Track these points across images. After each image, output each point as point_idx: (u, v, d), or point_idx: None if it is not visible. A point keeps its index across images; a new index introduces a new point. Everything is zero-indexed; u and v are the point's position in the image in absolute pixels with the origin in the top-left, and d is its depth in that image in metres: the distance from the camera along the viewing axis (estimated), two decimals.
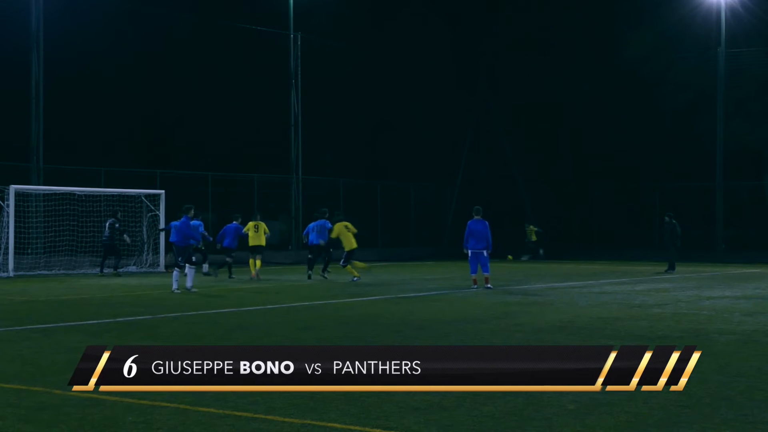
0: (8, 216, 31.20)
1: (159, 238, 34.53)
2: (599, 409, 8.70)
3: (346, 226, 28.69)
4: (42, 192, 33.69)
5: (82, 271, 32.84)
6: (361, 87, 48.79)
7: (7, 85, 37.15)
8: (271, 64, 45.77)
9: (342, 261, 28.74)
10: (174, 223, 24.04)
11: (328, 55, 47.03)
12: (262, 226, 30.15)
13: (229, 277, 29.85)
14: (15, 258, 31.21)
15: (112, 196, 34.59)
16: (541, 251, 44.96)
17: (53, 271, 32.36)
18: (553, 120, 51.31)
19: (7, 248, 31.06)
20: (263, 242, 30.07)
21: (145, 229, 35.27)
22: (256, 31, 44.54)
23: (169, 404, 8.88)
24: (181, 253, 23.77)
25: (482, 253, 24.64)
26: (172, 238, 26.27)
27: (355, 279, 28.11)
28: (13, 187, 31.48)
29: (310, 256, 30.26)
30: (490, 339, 13.94)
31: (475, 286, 24.70)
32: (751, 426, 8.04)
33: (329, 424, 8.14)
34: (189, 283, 23.60)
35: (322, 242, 29.59)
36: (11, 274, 30.68)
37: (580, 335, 14.38)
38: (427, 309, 19.28)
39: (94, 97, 40.39)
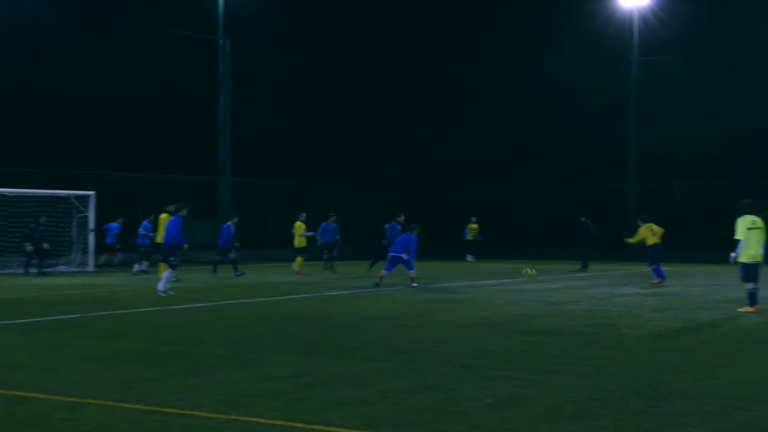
0: None
1: (87, 238, 34.31)
2: (515, 402, 9.05)
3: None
4: None
5: (11, 271, 32.53)
6: (294, 90, 49.04)
7: None
8: (205, 68, 45.75)
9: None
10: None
11: (259, 60, 47.14)
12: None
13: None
14: None
15: (42, 197, 34.27)
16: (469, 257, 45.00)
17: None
18: (475, 125, 52.07)
19: None
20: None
21: (74, 230, 35.04)
22: (187, 36, 44.43)
23: (96, 401, 9.02)
24: (171, 253, 22.80)
25: (401, 257, 25.33)
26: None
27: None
28: None
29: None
30: (412, 335, 14.27)
31: (380, 282, 25.25)
32: (660, 417, 8.38)
33: (254, 419, 8.30)
34: (162, 285, 22.46)
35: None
36: None
37: (498, 331, 14.80)
38: (352, 307, 19.57)
39: (26, 99, 40.01)
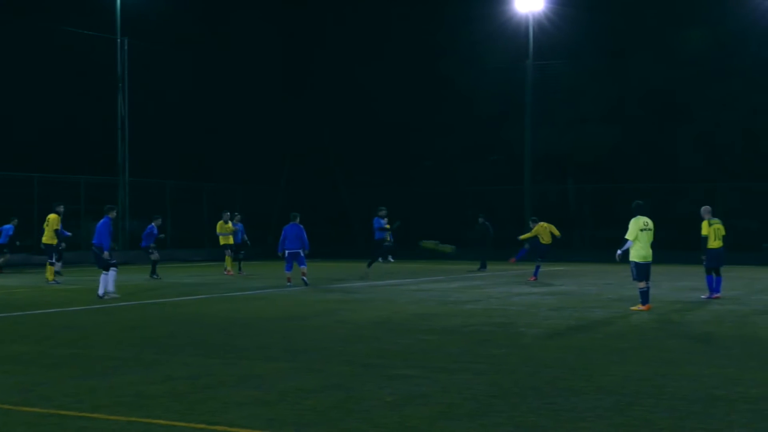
0: None
1: None
2: (415, 400, 9.18)
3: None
4: None
5: None
6: (190, 91, 48.67)
7: None
8: (101, 66, 45.10)
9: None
10: (99, 225, 21.91)
11: (156, 59, 46.66)
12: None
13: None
14: None
15: None
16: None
17: None
18: (377, 127, 52.36)
19: None
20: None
21: None
22: (85, 35, 43.72)
23: None
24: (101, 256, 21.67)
25: (299, 253, 25.71)
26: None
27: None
28: None
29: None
30: (312, 336, 14.32)
31: (290, 284, 25.60)
32: (555, 413, 8.58)
33: (155, 421, 8.27)
34: (102, 290, 21.51)
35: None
36: None
37: (398, 330, 14.94)
38: (251, 307, 19.54)
39: None
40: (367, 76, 52.33)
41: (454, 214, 49.24)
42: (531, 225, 29.38)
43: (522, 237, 29.91)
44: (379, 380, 10.22)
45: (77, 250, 32.27)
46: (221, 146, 50.47)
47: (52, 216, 28.27)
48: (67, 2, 45.25)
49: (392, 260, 31.31)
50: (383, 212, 29.99)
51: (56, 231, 28.06)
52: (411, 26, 52.45)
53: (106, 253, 21.40)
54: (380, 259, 30.19)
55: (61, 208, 28.69)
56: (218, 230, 32.28)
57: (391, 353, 12.36)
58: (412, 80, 51.74)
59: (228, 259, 32.07)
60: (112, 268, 21.51)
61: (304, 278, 25.77)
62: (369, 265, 30.14)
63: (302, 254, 25.87)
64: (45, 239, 28.34)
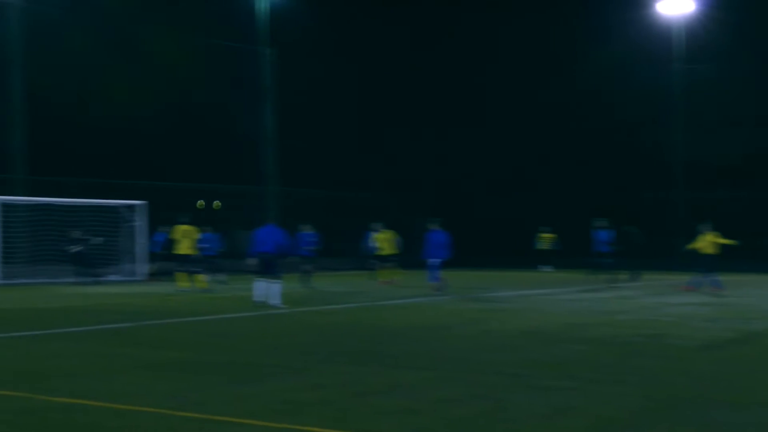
0: None
1: (137, 248, 34.68)
2: (566, 412, 8.96)
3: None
4: (25, 203, 33.87)
5: (65, 280, 32.90)
6: (333, 100, 49.35)
7: None
8: (240, 77, 46.17)
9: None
10: (258, 230, 22.19)
11: (300, 69, 47.53)
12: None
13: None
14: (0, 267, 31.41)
15: (92, 207, 34.75)
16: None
17: (37, 280, 32.37)
18: (508, 135, 51.82)
19: None
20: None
21: (123, 240, 35.43)
22: (230, 47, 44.86)
23: (149, 409, 9.08)
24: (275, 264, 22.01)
25: (441, 261, 25.48)
26: (264, 248, 23.45)
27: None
28: None
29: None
30: (460, 345, 14.24)
31: (438, 293, 25.59)
32: (713, 428, 8.27)
33: (306, 428, 8.31)
34: (277, 300, 21.77)
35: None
36: None
37: (548, 340, 14.73)
38: (399, 316, 19.60)
39: (75, 111, 40.55)
40: (500, 82, 51.78)
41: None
42: (700, 234, 28.15)
43: (689, 246, 28.90)
44: (529, 391, 10.07)
45: (226, 259, 32.99)
46: (364, 155, 50.90)
47: (188, 227, 28.88)
48: (214, 15, 46.45)
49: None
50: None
51: (195, 241, 28.80)
52: (544, 33, 51.64)
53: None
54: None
55: (186, 219, 29.53)
56: (373, 241, 32.30)
57: (541, 363, 12.18)
58: (544, 85, 50.91)
59: (383, 270, 32.00)
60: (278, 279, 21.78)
61: (437, 289, 25.50)
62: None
63: (438, 261, 25.62)
64: (184, 250, 28.94)
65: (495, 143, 52.17)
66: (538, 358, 12.75)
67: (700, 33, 46.57)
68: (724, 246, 27.81)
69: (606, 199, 47.70)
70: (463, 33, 53.83)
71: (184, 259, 28.78)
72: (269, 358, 12.87)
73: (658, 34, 47.74)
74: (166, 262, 34.71)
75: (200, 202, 33.21)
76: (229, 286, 30.37)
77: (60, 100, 40.04)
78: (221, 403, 9.44)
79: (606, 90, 48.70)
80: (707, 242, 27.55)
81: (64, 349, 13.90)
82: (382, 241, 31.89)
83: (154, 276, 34.54)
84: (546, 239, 44.72)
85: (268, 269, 21.76)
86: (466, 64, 53.55)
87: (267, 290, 21.65)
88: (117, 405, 9.30)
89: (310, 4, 48.40)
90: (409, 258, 33.38)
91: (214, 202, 32.98)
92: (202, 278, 28.71)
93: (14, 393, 9.99)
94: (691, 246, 28.58)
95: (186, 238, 28.70)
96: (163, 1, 45.79)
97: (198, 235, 29.15)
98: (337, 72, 50.65)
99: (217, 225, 34.02)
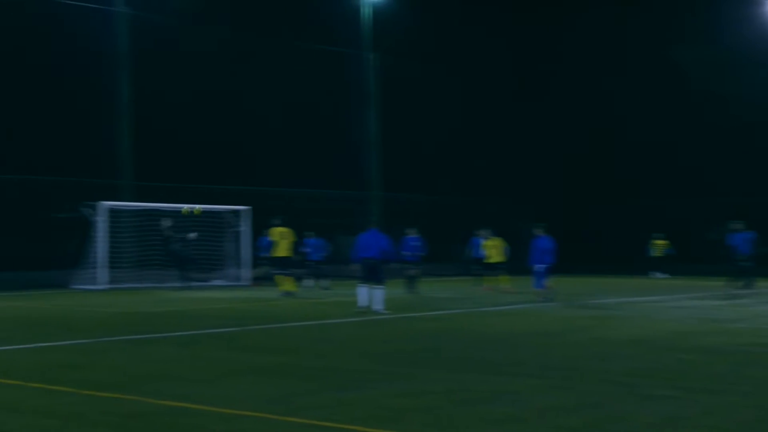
0: (99, 231, 32.14)
1: (241, 253, 35.12)
2: (676, 422, 8.69)
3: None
4: (131, 208, 34.64)
5: (171, 284, 33.47)
6: (436, 104, 49.32)
7: (96, 103, 38.29)
8: (352, 82, 46.46)
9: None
10: (362, 235, 22.13)
11: (405, 75, 47.63)
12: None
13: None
14: (107, 271, 32.09)
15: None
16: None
17: (143, 284, 33.04)
18: (621, 140, 51.02)
19: (99, 262, 32.00)
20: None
21: (229, 244, 35.95)
22: (333, 52, 45.23)
23: (254, 413, 9.11)
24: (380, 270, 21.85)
25: (544, 267, 25.32)
26: (368, 253, 22.38)
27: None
28: (102, 203, 32.45)
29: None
30: (566, 352, 14.02)
31: (541, 299, 25.28)
32: None
33: None
34: (381, 306, 21.68)
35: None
36: (103, 286, 31.55)
37: (657, 349, 14.39)
38: (504, 322, 19.43)
39: (180, 116, 41.27)
40: (607, 89, 51.03)
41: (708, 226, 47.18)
42: None
43: None
44: (638, 400, 9.82)
45: (330, 264, 33.25)
46: (468, 161, 50.82)
47: (284, 229, 28.88)
48: (316, 20, 46.85)
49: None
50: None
51: (293, 243, 28.85)
52: (653, 35, 50.66)
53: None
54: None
55: (279, 221, 29.55)
56: (481, 248, 32.03)
57: (650, 372, 11.88)
58: (659, 92, 49.94)
59: (491, 277, 31.63)
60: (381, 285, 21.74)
61: (543, 299, 25.24)
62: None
63: (544, 269, 25.40)
64: (282, 252, 28.92)
65: (606, 148, 51.53)
66: (647, 366, 12.46)
67: None
68: None
69: (722, 203, 46.46)
70: (576, 35, 53.05)
71: (283, 262, 28.92)
72: (373, 364, 12.84)
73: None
74: (270, 266, 35.06)
75: (185, 209, 33.62)
76: (333, 291, 30.51)
77: (167, 108, 40.80)
78: (325, 408, 9.42)
79: (730, 90, 47.29)
80: None
81: (170, 353, 14.11)
82: (490, 248, 31.59)
83: (259, 280, 34.88)
84: (659, 246, 43.92)
85: (372, 275, 21.74)
86: (576, 68, 52.94)
87: (370, 296, 21.67)
88: (222, 409, 9.36)
89: (413, 9, 48.47)
90: (515, 264, 33.07)
91: (195, 207, 33.33)
92: (291, 281, 28.78)
93: (122, 396, 10.14)
94: None
95: (284, 240, 28.79)
96: (268, 6, 46.34)
97: (295, 238, 29.30)
98: (440, 75, 50.60)
99: (320, 230, 34.21)
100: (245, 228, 35.72)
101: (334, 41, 45.86)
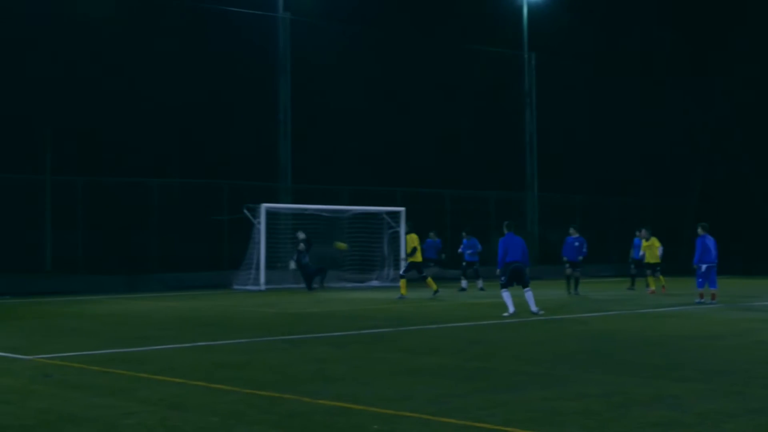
0: (260, 233, 32.89)
1: (395, 253, 35.31)
2: None
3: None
4: (287, 210, 35.30)
5: (328, 284, 34.01)
6: (592, 104, 48.66)
7: (256, 108, 39.25)
8: (508, 82, 46.23)
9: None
10: (503, 239, 22.04)
11: (561, 73, 47.16)
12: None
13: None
14: (266, 272, 32.82)
15: (354, 213, 35.76)
16: None
17: (301, 285, 33.60)
18: None
19: (258, 263, 32.75)
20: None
21: (385, 246, 36.21)
22: (492, 52, 45.13)
23: (411, 414, 9.17)
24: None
25: (713, 268, 24.54)
26: (513, 257, 21.43)
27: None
28: (264, 206, 33.23)
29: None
30: (730, 356, 13.61)
31: (701, 300, 24.66)
32: None
33: None
34: (535, 307, 21.44)
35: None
36: (263, 287, 32.30)
37: None
38: (663, 324, 18.99)
39: (336, 120, 41.96)
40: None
41: None
42: None
43: None
44: None
45: (484, 265, 33.12)
46: (626, 160, 49.94)
47: (412, 235, 28.85)
48: (473, 19, 46.85)
49: None
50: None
51: (415, 248, 28.67)
52: None
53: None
54: None
55: (410, 224, 29.54)
56: (640, 248, 31.29)
57: None
58: None
59: (650, 278, 30.83)
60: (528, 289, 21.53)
61: (713, 301, 24.47)
62: None
63: (714, 269, 24.67)
64: (419, 257, 28.86)
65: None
66: None
67: None
68: None
69: None
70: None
71: (420, 266, 28.90)
72: (529, 365, 12.74)
73: None
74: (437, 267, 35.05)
75: (339, 244, 33.90)
76: (486, 292, 30.40)
77: (323, 110, 41.53)
78: (482, 409, 9.41)
79: None
80: None
81: (327, 353, 14.30)
82: (649, 248, 30.82)
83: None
84: None
85: (518, 279, 21.54)
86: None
87: (527, 299, 21.45)
88: (379, 409, 9.44)
89: (570, 8, 47.97)
90: (676, 265, 32.31)
91: (342, 244, 33.66)
92: (404, 284, 28.56)
93: (281, 395, 10.33)
94: None
95: (414, 245, 28.76)
96: (423, 5, 46.69)
97: (420, 242, 29.17)
98: (593, 73, 49.88)
99: (476, 231, 34.04)
100: (401, 229, 35.90)
101: (488, 41, 45.70)
